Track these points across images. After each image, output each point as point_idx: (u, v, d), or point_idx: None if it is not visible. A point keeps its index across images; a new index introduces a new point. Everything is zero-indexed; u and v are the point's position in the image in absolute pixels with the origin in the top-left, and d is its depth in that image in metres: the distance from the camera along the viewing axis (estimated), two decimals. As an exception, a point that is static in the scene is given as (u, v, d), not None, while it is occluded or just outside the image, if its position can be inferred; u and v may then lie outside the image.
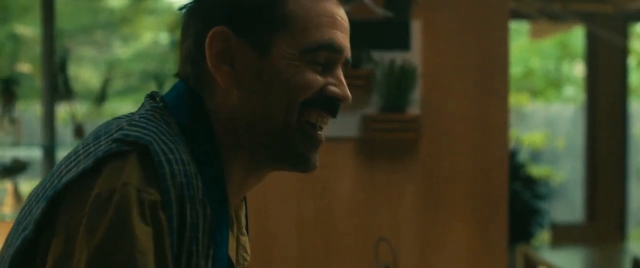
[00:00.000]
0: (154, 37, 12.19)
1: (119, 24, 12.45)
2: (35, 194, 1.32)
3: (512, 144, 8.47)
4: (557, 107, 10.55)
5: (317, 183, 3.41)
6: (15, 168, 4.83)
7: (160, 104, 1.37)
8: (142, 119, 1.33)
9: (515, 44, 11.20)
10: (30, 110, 8.49)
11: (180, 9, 1.43)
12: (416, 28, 3.41)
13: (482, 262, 3.45)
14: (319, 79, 1.38)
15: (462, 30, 3.46)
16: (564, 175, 9.96)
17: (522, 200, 7.55)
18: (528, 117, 10.23)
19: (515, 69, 11.37)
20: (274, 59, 1.36)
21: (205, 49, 1.37)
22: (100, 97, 5.06)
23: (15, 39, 10.91)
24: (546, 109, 10.45)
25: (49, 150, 4.69)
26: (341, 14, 1.41)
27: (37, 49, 6.69)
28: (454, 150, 3.45)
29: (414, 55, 3.41)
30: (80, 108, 5.07)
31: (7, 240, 1.32)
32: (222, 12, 1.37)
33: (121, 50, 12.70)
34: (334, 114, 1.40)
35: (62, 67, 4.86)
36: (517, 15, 6.36)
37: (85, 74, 11.87)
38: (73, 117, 4.86)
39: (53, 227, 1.24)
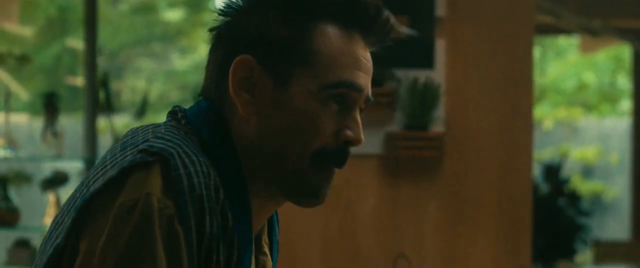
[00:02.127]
0: (211, 49, 12.27)
1: (175, 37, 12.59)
2: (67, 203, 1.36)
3: (557, 158, 8.39)
4: (611, 121, 10.41)
5: (340, 200, 3.43)
6: (57, 180, 4.94)
7: (183, 121, 1.40)
8: (167, 132, 1.36)
9: (568, 58, 11.08)
10: (79, 122, 8.63)
11: (210, 30, 1.44)
12: (440, 46, 3.42)
13: (505, 280, 3.44)
14: (334, 121, 1.38)
15: (486, 48, 3.46)
16: (617, 191, 9.82)
17: (565, 216, 7.45)
18: (581, 131, 10.12)
19: (569, 83, 11.25)
20: (292, 93, 1.37)
21: (229, 74, 1.38)
22: (140, 111, 5.14)
23: (72, 52, 11.10)
24: (599, 123, 10.33)
25: (90, 162, 4.78)
26: (366, 56, 1.41)
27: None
28: (478, 168, 3.45)
29: (438, 73, 3.42)
30: (121, 121, 5.16)
31: (40, 248, 1.37)
32: (249, 40, 1.39)
33: (178, 62, 12.85)
34: (341, 166, 1.40)
35: (105, 81, 4.96)
36: (558, 30, 6.33)
37: (142, 85, 12.03)
38: (112, 131, 4.95)
39: (79, 235, 1.29)
